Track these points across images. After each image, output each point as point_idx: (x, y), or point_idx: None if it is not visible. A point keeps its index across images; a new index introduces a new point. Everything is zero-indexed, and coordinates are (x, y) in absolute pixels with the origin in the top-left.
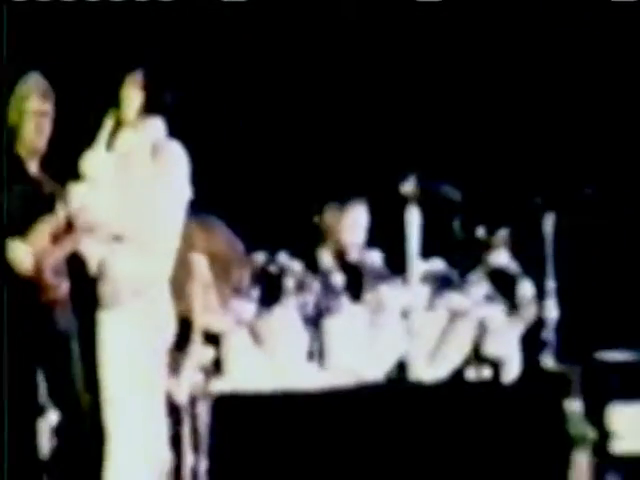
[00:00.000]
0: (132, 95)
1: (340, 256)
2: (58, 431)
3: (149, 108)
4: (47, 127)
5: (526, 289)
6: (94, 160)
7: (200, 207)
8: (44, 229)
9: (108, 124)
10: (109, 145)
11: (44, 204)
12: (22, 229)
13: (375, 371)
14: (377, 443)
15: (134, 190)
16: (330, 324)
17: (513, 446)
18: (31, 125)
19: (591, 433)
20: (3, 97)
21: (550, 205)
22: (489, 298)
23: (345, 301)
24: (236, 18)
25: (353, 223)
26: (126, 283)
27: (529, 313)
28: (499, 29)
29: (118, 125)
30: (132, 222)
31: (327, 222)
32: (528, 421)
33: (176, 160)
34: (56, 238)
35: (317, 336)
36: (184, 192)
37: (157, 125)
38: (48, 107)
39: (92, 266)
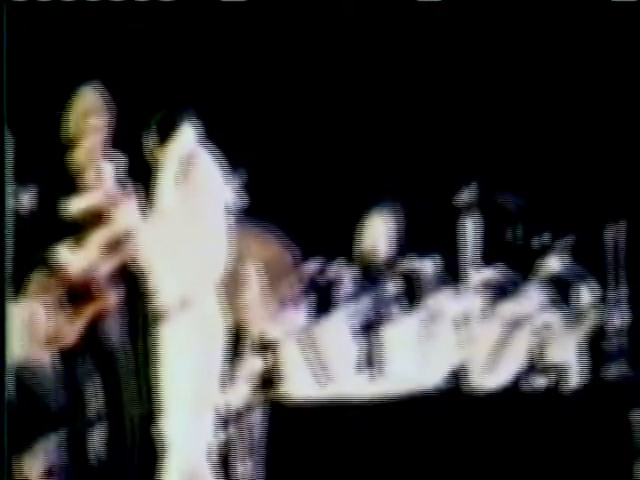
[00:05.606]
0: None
1: (366, 263)
2: (108, 444)
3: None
4: (104, 141)
5: (585, 295)
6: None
7: (254, 215)
8: (98, 239)
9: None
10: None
11: (99, 214)
12: (77, 239)
13: (429, 380)
14: (432, 452)
15: (169, 201)
16: (383, 333)
17: (574, 456)
18: (90, 140)
19: None
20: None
21: (617, 213)
22: (547, 305)
23: (398, 310)
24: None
25: (372, 230)
26: (172, 295)
27: (589, 320)
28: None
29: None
30: (171, 234)
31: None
32: (591, 431)
33: (207, 168)
34: (110, 248)
35: (370, 345)
36: (219, 200)
37: (187, 134)
38: (106, 121)
39: (141, 278)
